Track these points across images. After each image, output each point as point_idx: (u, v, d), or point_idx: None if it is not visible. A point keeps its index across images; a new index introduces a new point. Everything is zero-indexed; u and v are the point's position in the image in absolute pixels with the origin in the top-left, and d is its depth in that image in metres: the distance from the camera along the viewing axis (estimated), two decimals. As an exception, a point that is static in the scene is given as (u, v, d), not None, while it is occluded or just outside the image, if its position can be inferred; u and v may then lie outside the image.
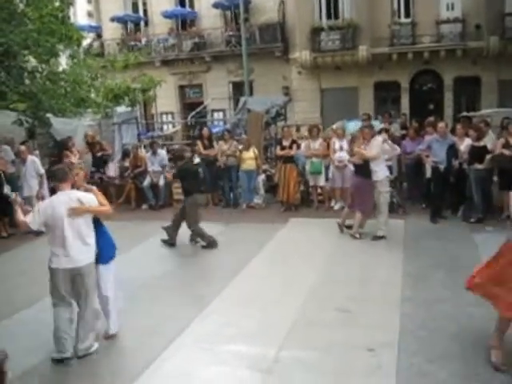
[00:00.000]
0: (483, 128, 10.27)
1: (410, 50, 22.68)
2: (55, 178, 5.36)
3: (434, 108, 23.20)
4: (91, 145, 13.27)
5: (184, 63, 26.48)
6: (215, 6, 25.11)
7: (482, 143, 9.94)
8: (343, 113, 17.13)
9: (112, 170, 13.20)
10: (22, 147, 11.16)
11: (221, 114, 25.46)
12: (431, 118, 11.70)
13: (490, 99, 21.71)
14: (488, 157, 9.84)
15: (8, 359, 2.84)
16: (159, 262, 8.53)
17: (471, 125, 10.86)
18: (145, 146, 14.64)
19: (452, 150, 9.99)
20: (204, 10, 26.05)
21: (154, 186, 12.71)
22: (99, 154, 13.18)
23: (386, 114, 14.23)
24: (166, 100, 25.26)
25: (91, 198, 5.32)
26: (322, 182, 11.65)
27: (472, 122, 11.59)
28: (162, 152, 13.31)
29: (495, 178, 10.63)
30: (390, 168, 10.89)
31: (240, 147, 12.31)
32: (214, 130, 15.74)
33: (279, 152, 11.92)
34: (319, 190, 11.93)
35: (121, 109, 16.20)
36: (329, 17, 23.42)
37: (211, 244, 9.04)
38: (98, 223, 5.49)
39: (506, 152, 9.81)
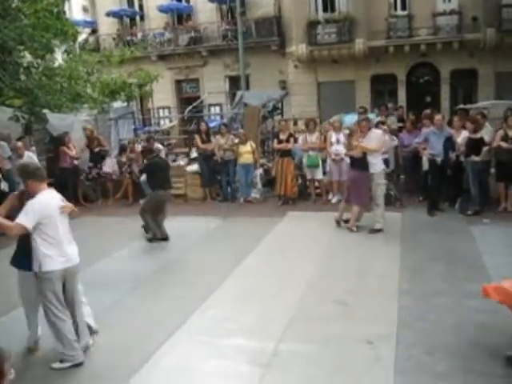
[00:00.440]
0: (480, 120, 10.28)
1: (407, 42, 22.62)
2: (38, 177, 4.96)
3: (430, 100, 23.18)
4: (89, 140, 13.25)
5: (180, 58, 26.42)
6: (211, -1, 25.06)
7: (478, 135, 9.94)
8: (340, 106, 17.14)
9: (109, 165, 13.16)
10: (19, 143, 11.14)
11: (217, 108, 25.43)
12: (428, 111, 11.70)
13: (486, 91, 21.67)
14: (485, 149, 9.84)
15: (9, 359, 2.80)
16: (156, 257, 8.52)
17: (468, 117, 10.87)
18: (141, 141, 14.60)
19: (449, 143, 10.00)
20: (200, 4, 25.97)
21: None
22: (97, 150, 13.15)
23: (383, 106, 14.22)
24: (163, 95, 25.20)
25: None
26: (319, 175, 11.65)
27: (469, 114, 11.59)
28: (159, 147, 13.24)
29: (492, 171, 10.65)
30: (387, 161, 10.92)
31: (236, 141, 12.30)
32: (211, 125, 15.71)
33: (276, 146, 11.92)
34: (316, 184, 11.95)
35: (117, 104, 16.15)
36: (325, 10, 23.36)
37: (154, 238, 9.21)
38: None
39: (504, 145, 9.82)
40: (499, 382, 4.40)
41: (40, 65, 13.48)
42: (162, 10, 25.86)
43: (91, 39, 26.98)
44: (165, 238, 9.25)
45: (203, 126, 12.88)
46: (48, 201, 4.90)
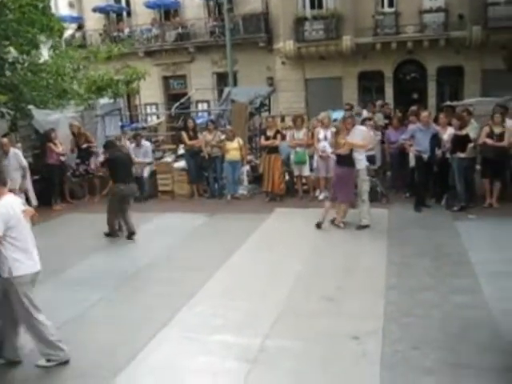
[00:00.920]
0: (466, 117, 10.32)
1: (394, 39, 22.77)
2: (1, 181, 4.88)
3: (417, 97, 23.33)
4: (77, 136, 13.15)
5: (168, 54, 26.36)
6: (198, -5, 25.02)
7: (464, 132, 9.99)
8: (327, 103, 17.18)
9: (96, 162, 13.07)
10: (4, 140, 11.01)
11: (205, 104, 25.42)
12: (414, 108, 11.75)
13: (472, 88, 21.86)
14: (470, 146, 9.91)
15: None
16: (143, 253, 8.49)
17: (454, 114, 10.92)
18: (129, 138, 14.53)
19: (435, 139, 10.06)
20: (187, 0, 25.87)
21: (138, 178, 12.62)
22: (84, 146, 13.06)
23: (371, 103, 14.29)
24: (150, 91, 25.10)
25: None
26: (306, 171, 11.66)
27: (455, 111, 11.65)
28: (146, 144, 13.24)
29: (478, 167, 10.73)
30: (373, 157, 10.97)
31: (222, 137, 12.28)
32: (199, 121, 15.66)
33: (263, 142, 11.91)
34: (304, 180, 11.94)
35: (104, 100, 16.03)
36: (312, 6, 23.42)
37: (111, 234, 9.22)
38: None
39: (489, 141, 9.90)
40: (485, 375, 4.44)
41: (25, 60, 13.35)
42: (149, 5, 25.77)
43: (77, 35, 26.76)
44: (133, 233, 9.18)
45: (190, 123, 12.84)
46: (12, 205, 4.80)
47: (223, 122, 14.57)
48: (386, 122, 12.62)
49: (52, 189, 12.24)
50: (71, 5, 27.87)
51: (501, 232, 8.34)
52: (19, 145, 11.97)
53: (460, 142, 9.92)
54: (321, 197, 11.44)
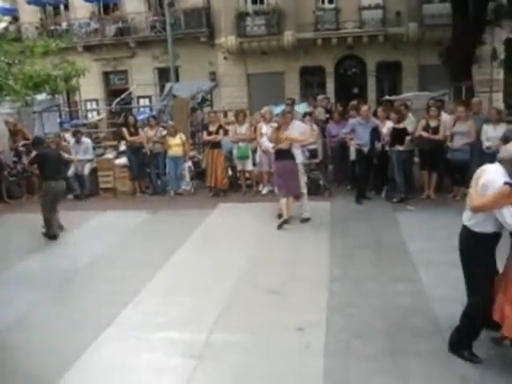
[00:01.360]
0: (403, 111, 10.61)
1: (334, 35, 23.09)
2: None
3: (358, 92, 23.78)
4: (14, 133, 12.73)
5: (108, 49, 25.83)
6: (138, -11, 24.60)
7: (402, 126, 10.26)
8: (270, 97, 17.25)
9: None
10: None
11: (146, 100, 25.07)
12: (354, 102, 11.97)
13: (410, 83, 22.47)
14: (408, 138, 10.18)
15: None
16: (85, 252, 8.29)
17: (392, 108, 11.19)
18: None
19: (375, 133, 10.29)
20: (127, -7, 25.45)
21: (78, 176, 12.36)
22: (22, 143, 12.65)
23: (311, 97, 14.46)
24: (90, 87, 24.44)
25: None
26: (249, 166, 11.70)
27: (394, 105, 11.94)
28: (87, 140, 12.95)
29: (416, 159, 11.06)
30: (315, 151, 11.11)
31: (164, 133, 12.17)
32: (140, 117, 15.47)
33: (206, 137, 11.88)
34: (247, 175, 11.98)
35: (41, 96, 15.58)
36: (254, 2, 23.47)
37: (49, 236, 8.97)
38: None
39: (425, 134, 10.21)
40: (423, 359, 4.59)
41: (-43, 55, 12.82)
42: (87, -1, 25.14)
43: (12, 28, 25.81)
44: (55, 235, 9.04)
45: (131, 119, 12.66)
46: None
47: (165, 117, 14.43)
48: (327, 116, 12.80)
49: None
50: (4, -4, 26.91)
51: (437, 222, 8.62)
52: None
53: (398, 136, 10.18)
54: (264, 191, 11.52)
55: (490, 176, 4.29)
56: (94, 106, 25.64)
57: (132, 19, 25.50)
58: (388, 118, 10.61)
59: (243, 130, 11.60)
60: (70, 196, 12.29)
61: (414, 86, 22.15)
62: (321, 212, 9.44)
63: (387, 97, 16.64)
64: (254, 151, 11.60)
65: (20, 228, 9.89)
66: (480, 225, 4.38)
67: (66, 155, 10.62)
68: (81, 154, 12.44)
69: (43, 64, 15.80)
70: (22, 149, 12.72)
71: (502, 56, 19.03)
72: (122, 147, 13.22)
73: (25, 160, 12.43)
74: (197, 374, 4.59)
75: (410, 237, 8.00)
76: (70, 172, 12.20)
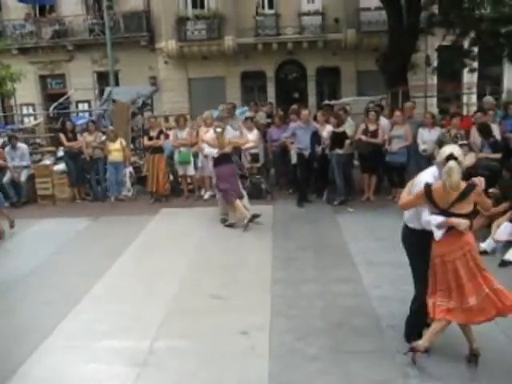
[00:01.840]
0: (342, 115, 10.84)
1: (275, 40, 23.31)
2: None
3: (298, 97, 24.10)
4: None
5: (44, 52, 25.13)
6: (76, -9, 24.07)
7: (341, 129, 10.47)
8: (211, 102, 17.20)
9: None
10: None
11: (86, 105, 24.54)
12: (295, 106, 12.11)
13: (349, 88, 22.98)
14: (347, 142, 10.40)
15: None
16: (24, 260, 8.02)
17: (332, 112, 11.41)
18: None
19: (315, 137, 10.44)
20: (64, -6, 24.84)
21: (15, 183, 11.96)
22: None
23: (253, 102, 14.56)
24: (26, 91, 23.73)
25: None
26: (191, 171, 11.65)
27: (333, 109, 12.18)
28: (23, 146, 12.56)
29: (356, 162, 11.31)
30: (257, 155, 11.20)
31: (104, 138, 11.96)
32: (79, 122, 15.16)
33: (147, 143, 11.76)
34: (189, 180, 11.93)
35: (-27, 101, 15.05)
36: (194, 6, 23.43)
37: None
38: None
39: (363, 138, 10.46)
40: (365, 357, 4.69)
41: None
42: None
43: None
44: None
45: (68, 124, 12.39)
46: None
47: (105, 122, 14.18)
48: (269, 120, 12.91)
49: None
50: None
51: (377, 223, 8.84)
52: None
53: (338, 139, 10.38)
54: (206, 196, 11.49)
55: (421, 177, 4.54)
56: (31, 110, 24.84)
57: (69, 22, 24.89)
58: (328, 122, 10.81)
59: (184, 134, 11.55)
60: (6, 204, 11.88)
61: (353, 90, 22.68)
62: (263, 216, 9.46)
63: (327, 101, 16.98)
64: (196, 156, 11.56)
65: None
66: (411, 221, 4.66)
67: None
68: (17, 160, 12.06)
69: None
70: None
71: (435, 63, 19.70)
72: (60, 153, 12.90)
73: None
74: (140, 382, 4.53)
75: (350, 238, 8.17)
76: (6, 179, 11.81)
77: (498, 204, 7.43)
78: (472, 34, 16.61)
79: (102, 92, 20.90)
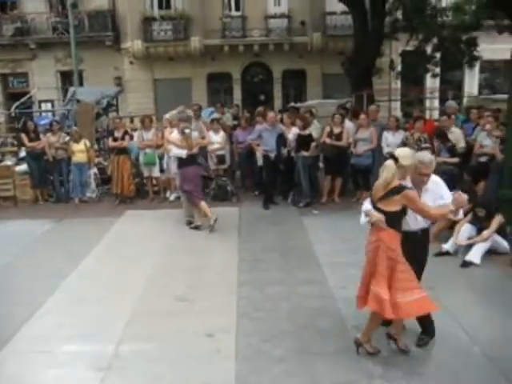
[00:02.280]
0: (308, 118, 10.92)
1: (241, 42, 23.34)
2: None
3: (264, 99, 24.15)
4: None
5: (5, 50, 24.57)
6: (38, -12, 23.64)
7: (307, 132, 10.55)
8: (177, 103, 17.08)
9: None
10: None
11: (49, 104, 24.11)
12: (261, 108, 12.14)
13: (314, 91, 23.17)
14: (313, 145, 10.48)
15: None
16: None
17: (297, 115, 11.48)
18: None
19: (281, 139, 10.49)
20: (26, -8, 24.37)
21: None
22: None
23: (219, 104, 14.55)
24: (-14, 90, 23.30)
25: None
26: (156, 172, 11.57)
27: (299, 112, 12.25)
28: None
29: (321, 165, 11.40)
30: (223, 157, 11.19)
31: (67, 138, 11.78)
32: (42, 122, 14.89)
33: (111, 143, 11.62)
34: (154, 181, 11.84)
35: None
36: (160, 6, 23.31)
37: None
38: None
39: (328, 140, 10.55)
40: (331, 359, 4.73)
41: None
42: (-18, -4, 23.86)
43: None
44: None
45: (30, 125, 12.17)
46: None
47: (68, 122, 13.97)
48: (235, 122, 12.91)
49: None
50: None
51: (342, 225, 8.91)
52: None
53: (304, 142, 10.46)
54: (171, 198, 11.43)
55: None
56: (-9, 110, 24.34)
57: (32, 19, 24.41)
58: (294, 124, 10.87)
59: (149, 135, 11.46)
60: None
61: (319, 93, 22.87)
62: (229, 217, 9.49)
63: (293, 104, 17.07)
64: (161, 157, 11.47)
65: None
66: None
67: None
68: (-23, 160, 11.81)
69: None
70: None
71: (398, 67, 20.04)
72: (22, 153, 12.66)
73: None
74: (105, 386, 4.48)
75: (316, 240, 8.23)
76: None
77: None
78: (434, 40, 17.02)
79: (65, 92, 20.57)
